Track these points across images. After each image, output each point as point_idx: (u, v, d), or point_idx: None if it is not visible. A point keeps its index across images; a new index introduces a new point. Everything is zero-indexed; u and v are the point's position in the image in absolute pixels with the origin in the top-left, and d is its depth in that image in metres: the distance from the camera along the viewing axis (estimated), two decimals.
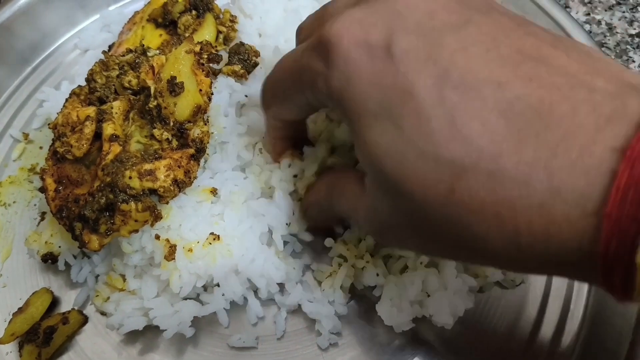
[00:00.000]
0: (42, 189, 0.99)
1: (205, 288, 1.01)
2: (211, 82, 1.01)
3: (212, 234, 0.96)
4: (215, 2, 1.21)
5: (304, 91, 0.74)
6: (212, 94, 1.01)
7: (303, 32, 0.87)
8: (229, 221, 0.99)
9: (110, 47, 1.27)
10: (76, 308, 1.05)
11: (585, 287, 1.04)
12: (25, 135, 1.29)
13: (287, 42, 1.17)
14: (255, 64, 1.10)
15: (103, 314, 1.04)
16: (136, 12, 1.27)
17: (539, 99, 0.51)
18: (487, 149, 0.51)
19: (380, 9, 0.64)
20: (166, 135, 0.95)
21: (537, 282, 1.05)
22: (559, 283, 1.05)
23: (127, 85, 1.01)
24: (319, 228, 1.04)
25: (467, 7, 0.62)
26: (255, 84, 1.09)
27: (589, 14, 1.54)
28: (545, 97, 0.51)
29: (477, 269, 0.99)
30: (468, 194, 0.53)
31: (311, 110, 0.86)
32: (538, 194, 0.49)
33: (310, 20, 0.86)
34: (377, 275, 0.99)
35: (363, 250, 1.01)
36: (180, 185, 0.92)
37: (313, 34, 0.75)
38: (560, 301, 1.03)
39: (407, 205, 0.60)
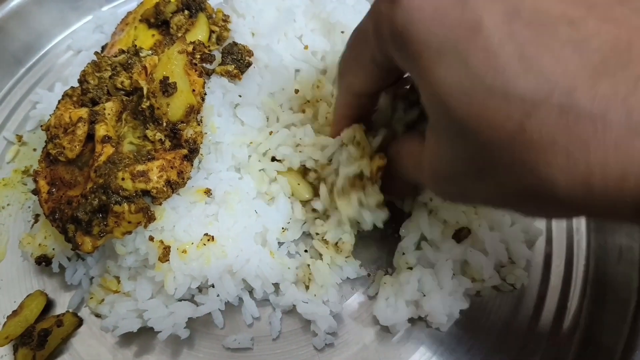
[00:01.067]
0: (35, 191, 0.98)
1: (200, 289, 1.01)
2: (204, 82, 1.00)
3: (206, 234, 0.96)
4: (207, 1, 1.20)
5: (370, 45, 0.72)
6: (205, 94, 1.00)
7: None
8: (223, 222, 0.98)
9: (103, 47, 1.26)
10: (71, 310, 1.05)
11: (580, 284, 1.04)
12: (19, 137, 1.29)
13: (281, 42, 1.16)
14: (249, 64, 1.09)
15: (98, 316, 1.04)
16: (129, 13, 1.27)
17: (616, 37, 0.49)
18: (559, 83, 0.49)
19: None
20: (159, 136, 0.94)
21: (532, 281, 1.05)
22: (555, 282, 1.05)
23: (119, 86, 1.01)
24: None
25: None
26: (249, 84, 1.09)
27: None
28: (623, 36, 0.49)
29: (474, 272, 0.98)
30: (538, 131, 0.50)
31: (380, 78, 0.81)
32: (614, 130, 0.47)
33: None
34: (360, 266, 1.00)
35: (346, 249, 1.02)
36: (174, 186, 0.92)
37: None
38: (555, 300, 1.03)
39: (471, 148, 0.58)
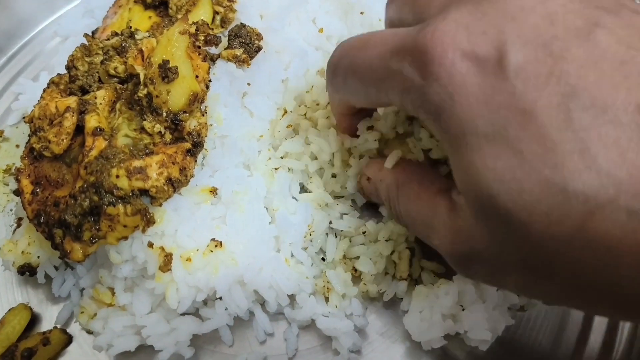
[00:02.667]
0: (18, 192, 0.92)
1: (205, 302, 0.93)
2: (209, 68, 0.92)
3: (213, 240, 0.88)
4: None
5: (388, 94, 0.66)
6: (210, 80, 0.92)
7: (395, 10, 0.76)
8: (232, 225, 0.91)
9: (93, 33, 1.18)
10: (58, 326, 0.98)
11: None
12: (0, 133, 1.21)
13: (292, 25, 1.08)
14: (259, 48, 1.00)
15: (89, 332, 0.97)
16: None
17: None
18: (627, 183, 0.46)
19: (490, 11, 0.56)
20: (158, 127, 0.87)
21: None
22: None
23: (112, 72, 0.94)
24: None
25: (593, 6, 0.54)
26: (258, 71, 1.00)
27: None
28: None
29: None
30: (602, 232, 0.47)
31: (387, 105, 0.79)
32: None
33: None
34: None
35: None
36: (175, 184, 0.84)
37: (406, 21, 0.68)
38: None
39: (518, 239, 0.54)
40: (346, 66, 0.74)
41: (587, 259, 0.50)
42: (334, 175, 0.99)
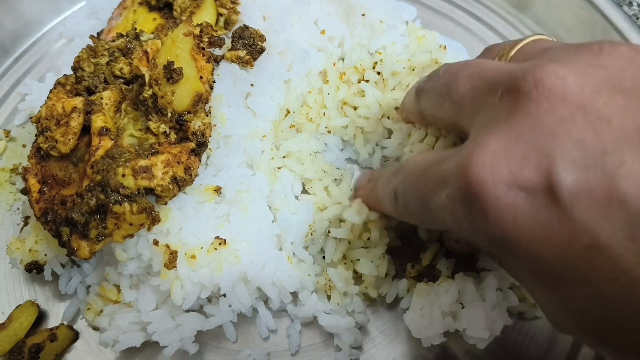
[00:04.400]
0: (25, 191, 0.91)
1: (209, 299, 0.94)
2: (213, 69, 0.93)
3: (217, 238, 0.89)
4: None
5: (445, 224, 0.63)
6: (214, 81, 0.93)
7: (430, 104, 0.75)
8: (235, 223, 0.91)
9: (99, 34, 1.17)
10: (65, 323, 0.98)
11: None
12: (7, 133, 1.21)
13: (295, 27, 1.09)
14: (262, 50, 1.01)
15: (96, 329, 0.97)
16: None
17: None
18: None
19: (525, 129, 0.50)
20: (163, 127, 0.87)
21: None
22: None
23: (118, 73, 0.94)
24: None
25: (632, 94, 0.49)
26: (261, 72, 1.01)
27: None
28: None
29: (524, 292, 0.89)
30: None
31: None
32: None
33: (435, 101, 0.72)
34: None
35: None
36: (180, 183, 0.85)
37: (437, 115, 0.70)
38: None
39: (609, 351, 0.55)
40: (403, 196, 0.73)
41: None
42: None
